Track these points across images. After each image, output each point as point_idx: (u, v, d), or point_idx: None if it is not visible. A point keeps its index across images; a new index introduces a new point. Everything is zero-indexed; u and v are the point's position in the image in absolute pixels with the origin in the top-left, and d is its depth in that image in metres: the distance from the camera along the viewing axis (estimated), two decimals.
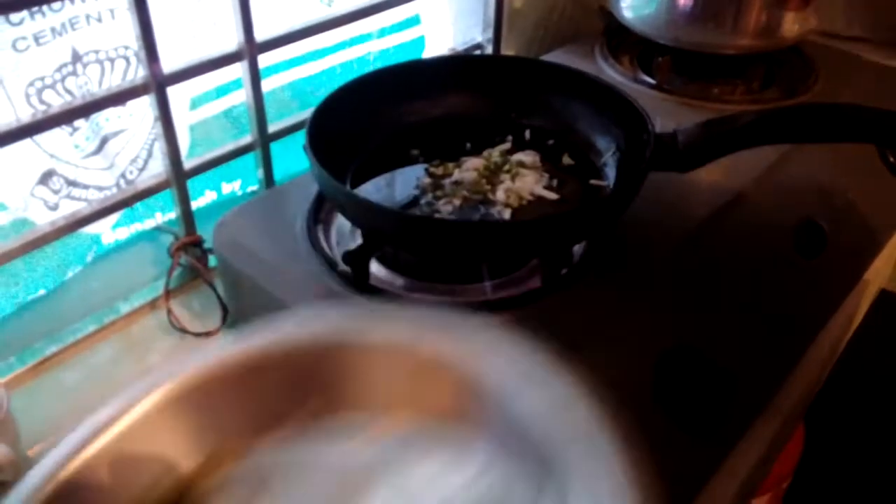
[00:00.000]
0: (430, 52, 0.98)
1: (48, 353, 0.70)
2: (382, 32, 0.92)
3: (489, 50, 0.98)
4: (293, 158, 0.89)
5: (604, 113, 0.68)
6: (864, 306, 0.90)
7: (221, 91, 0.79)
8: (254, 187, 0.85)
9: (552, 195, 0.63)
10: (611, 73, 0.93)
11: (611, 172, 0.66)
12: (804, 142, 0.65)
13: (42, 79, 0.62)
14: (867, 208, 0.79)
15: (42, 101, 0.63)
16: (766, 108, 0.61)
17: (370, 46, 0.91)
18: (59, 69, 0.63)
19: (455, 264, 0.61)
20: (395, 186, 0.67)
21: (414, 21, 0.95)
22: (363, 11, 0.80)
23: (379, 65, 0.91)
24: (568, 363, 0.54)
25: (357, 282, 0.58)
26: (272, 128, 0.78)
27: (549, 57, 0.97)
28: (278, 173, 0.82)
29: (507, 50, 1.01)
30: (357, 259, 0.57)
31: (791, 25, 0.85)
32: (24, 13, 0.58)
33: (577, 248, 0.62)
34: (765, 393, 0.64)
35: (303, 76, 0.87)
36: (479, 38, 0.98)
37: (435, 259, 0.61)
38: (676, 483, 0.56)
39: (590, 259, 0.61)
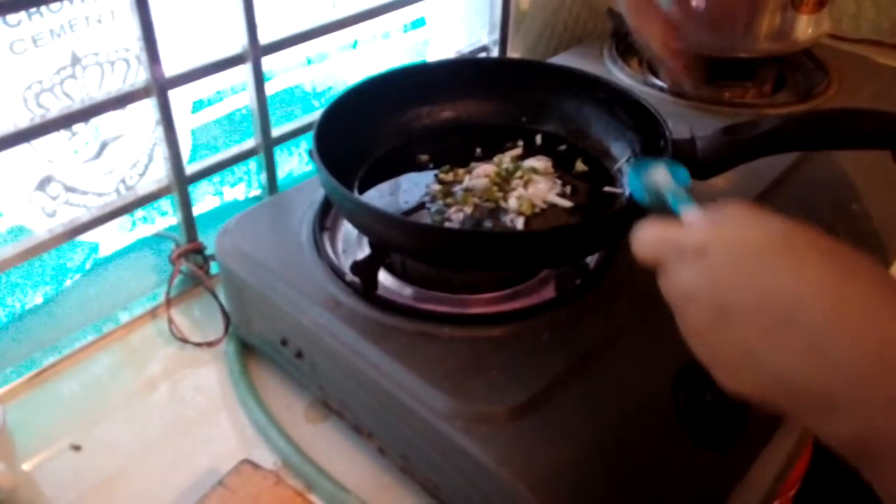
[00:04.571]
0: (434, 54, 0.96)
1: (45, 363, 0.68)
2: (387, 36, 0.91)
3: (495, 52, 0.97)
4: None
5: (618, 117, 0.66)
6: None
7: (222, 95, 0.78)
8: (257, 192, 0.83)
9: (566, 203, 0.61)
10: (620, 75, 0.91)
11: (626, 179, 0.64)
12: (827, 148, 0.63)
13: (40, 82, 0.60)
14: (883, 216, 0.78)
15: (40, 105, 0.61)
16: (789, 113, 0.60)
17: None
18: (57, 72, 0.61)
19: (466, 274, 0.59)
20: (404, 192, 0.65)
21: (419, 23, 0.93)
22: (368, 13, 0.79)
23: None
24: (583, 376, 0.52)
25: (365, 292, 0.56)
26: (276, 132, 0.76)
27: (556, 59, 0.96)
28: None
29: (514, 52, 1.00)
30: (365, 269, 0.56)
31: (805, 29, 0.83)
32: (22, 14, 0.57)
33: (592, 258, 0.61)
34: None
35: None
36: (485, 41, 0.97)
37: (445, 268, 0.59)
38: (697, 499, 0.54)
39: (605, 269, 0.59)
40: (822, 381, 0.32)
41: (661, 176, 0.51)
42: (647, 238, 0.41)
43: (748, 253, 0.36)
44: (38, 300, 0.70)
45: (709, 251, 0.36)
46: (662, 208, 0.48)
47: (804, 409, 0.34)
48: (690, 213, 0.42)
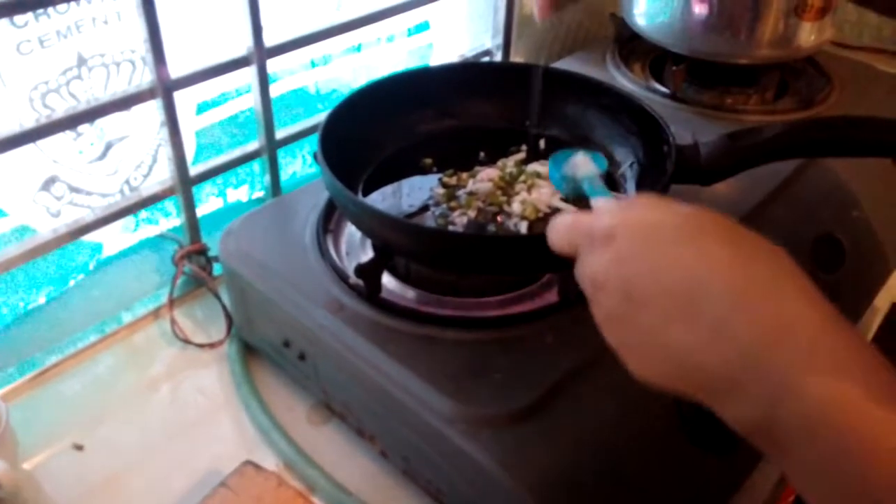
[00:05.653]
0: (438, 58, 0.97)
1: (48, 363, 0.68)
2: (391, 39, 0.91)
3: (498, 56, 0.97)
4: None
5: (621, 123, 0.66)
6: (877, 321, 0.88)
7: (226, 97, 0.78)
8: (260, 193, 0.83)
9: (570, 207, 0.61)
10: (622, 80, 0.91)
11: (629, 184, 0.65)
12: (829, 155, 0.63)
13: (46, 82, 0.60)
14: (884, 222, 0.78)
15: (46, 106, 0.61)
16: (793, 120, 0.60)
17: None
18: (63, 73, 0.61)
19: (470, 277, 0.59)
20: (407, 195, 0.66)
21: (423, 27, 0.94)
22: (372, 17, 0.79)
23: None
24: (586, 380, 0.52)
25: (369, 295, 0.56)
26: (280, 134, 0.76)
27: (559, 64, 0.96)
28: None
29: (517, 57, 1.00)
30: (369, 272, 0.56)
31: (807, 36, 0.83)
32: (29, 15, 0.57)
33: None
34: None
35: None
36: (488, 45, 0.97)
37: (449, 272, 0.59)
38: (699, 502, 0.54)
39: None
40: (723, 364, 0.32)
41: (581, 165, 0.54)
42: (560, 227, 0.41)
43: (652, 237, 0.36)
44: (42, 300, 0.70)
45: (616, 237, 0.36)
46: (581, 198, 0.50)
47: (710, 394, 0.33)
48: (601, 200, 0.44)
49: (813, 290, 0.33)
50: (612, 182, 0.66)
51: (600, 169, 0.53)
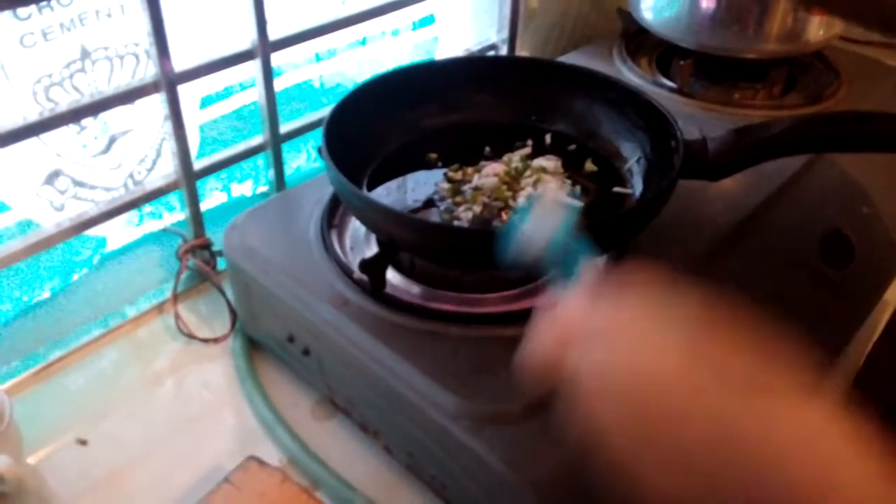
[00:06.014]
0: (443, 52, 0.96)
1: (52, 357, 0.68)
2: (396, 33, 0.90)
3: (504, 51, 0.97)
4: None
5: (628, 118, 0.66)
6: (883, 320, 0.88)
7: (231, 91, 0.78)
8: (264, 188, 0.83)
9: (576, 202, 0.61)
10: (629, 75, 0.91)
11: (636, 179, 0.64)
12: (838, 151, 0.63)
13: (49, 76, 0.60)
14: (893, 218, 0.77)
15: (49, 99, 0.61)
16: (801, 115, 0.59)
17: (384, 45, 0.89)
18: (67, 66, 0.61)
19: (475, 273, 0.59)
20: (413, 190, 0.65)
21: (428, 21, 0.93)
22: (377, 10, 0.79)
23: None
24: None
25: (373, 290, 0.56)
26: (284, 128, 0.76)
27: (565, 58, 0.95)
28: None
29: (522, 51, 0.99)
30: (374, 267, 0.55)
31: (816, 30, 0.83)
32: (32, 8, 0.56)
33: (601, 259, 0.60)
34: None
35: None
36: (493, 39, 0.97)
37: (454, 267, 0.59)
38: None
39: (614, 269, 0.59)
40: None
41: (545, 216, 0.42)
42: (542, 344, 0.38)
43: (655, 361, 0.33)
44: (46, 294, 0.70)
45: (615, 348, 0.34)
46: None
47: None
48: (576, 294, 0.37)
49: (849, 417, 0.30)
50: (618, 177, 0.65)
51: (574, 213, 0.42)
